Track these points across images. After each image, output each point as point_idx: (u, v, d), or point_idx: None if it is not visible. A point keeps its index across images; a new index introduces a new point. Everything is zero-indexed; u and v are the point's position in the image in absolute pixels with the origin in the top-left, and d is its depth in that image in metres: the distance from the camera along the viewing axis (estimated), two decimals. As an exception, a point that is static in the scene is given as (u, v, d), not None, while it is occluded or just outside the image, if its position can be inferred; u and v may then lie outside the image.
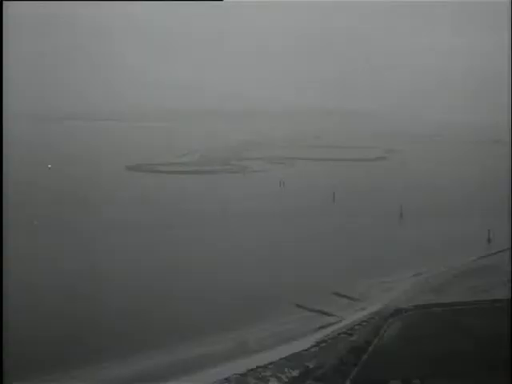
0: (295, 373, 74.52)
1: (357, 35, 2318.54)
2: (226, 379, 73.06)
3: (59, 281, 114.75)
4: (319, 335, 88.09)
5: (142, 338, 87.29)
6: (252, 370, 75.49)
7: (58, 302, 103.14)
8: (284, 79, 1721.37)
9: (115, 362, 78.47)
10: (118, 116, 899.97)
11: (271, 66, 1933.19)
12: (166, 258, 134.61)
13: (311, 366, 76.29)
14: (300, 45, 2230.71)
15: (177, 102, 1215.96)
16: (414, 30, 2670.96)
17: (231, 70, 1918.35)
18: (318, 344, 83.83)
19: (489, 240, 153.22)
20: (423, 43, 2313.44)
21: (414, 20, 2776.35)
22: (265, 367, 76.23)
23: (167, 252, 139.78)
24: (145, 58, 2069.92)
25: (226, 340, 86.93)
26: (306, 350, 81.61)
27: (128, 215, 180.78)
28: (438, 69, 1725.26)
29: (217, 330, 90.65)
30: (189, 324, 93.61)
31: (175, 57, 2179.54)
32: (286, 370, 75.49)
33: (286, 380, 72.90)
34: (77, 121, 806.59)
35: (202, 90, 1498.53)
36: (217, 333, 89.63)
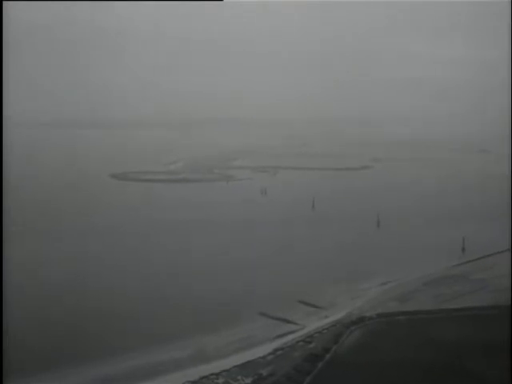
0: (248, 380, 74.48)
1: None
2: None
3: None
4: (278, 343, 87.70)
5: (98, 345, 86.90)
6: (205, 377, 75.21)
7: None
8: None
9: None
10: (105, 123, 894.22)
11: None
12: (138, 264, 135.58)
13: (265, 373, 76.01)
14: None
15: (161, 109, 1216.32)
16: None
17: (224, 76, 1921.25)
18: (274, 352, 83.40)
19: (463, 249, 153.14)
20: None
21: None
22: (218, 374, 76.00)
23: (140, 259, 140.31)
24: (139, 63, 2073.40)
25: (185, 347, 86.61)
26: (262, 358, 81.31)
27: (109, 222, 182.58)
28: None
29: (177, 337, 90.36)
30: (150, 330, 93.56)
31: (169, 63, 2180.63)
32: (239, 377, 75.26)
33: (238, 387, 72.55)
34: (62, 128, 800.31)
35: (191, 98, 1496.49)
36: (177, 340, 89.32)
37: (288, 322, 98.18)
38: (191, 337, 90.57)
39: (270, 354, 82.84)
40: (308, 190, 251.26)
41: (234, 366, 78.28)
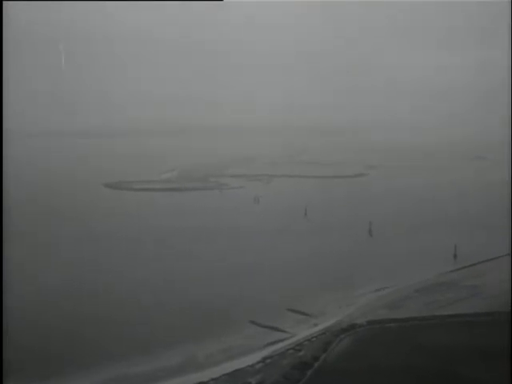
0: (236, 388, 74.02)
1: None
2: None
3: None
4: (267, 351, 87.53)
5: (83, 353, 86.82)
6: (194, 386, 74.91)
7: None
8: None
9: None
10: (98, 132, 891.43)
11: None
12: (131, 270, 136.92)
13: (253, 381, 75.85)
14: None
15: (158, 116, 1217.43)
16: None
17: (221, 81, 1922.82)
18: (263, 360, 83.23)
19: (455, 256, 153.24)
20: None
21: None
22: (206, 383, 75.62)
23: (133, 266, 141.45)
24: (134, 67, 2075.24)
25: (174, 355, 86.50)
26: (251, 366, 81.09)
27: (105, 229, 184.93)
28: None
29: (167, 346, 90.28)
30: (140, 338, 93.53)
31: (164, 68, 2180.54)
32: (227, 385, 74.99)
33: (226, 396, 72.33)
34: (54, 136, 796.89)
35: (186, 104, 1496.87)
36: (166, 347, 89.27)
37: (278, 330, 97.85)
38: (180, 345, 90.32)
39: (259, 362, 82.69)
40: (301, 197, 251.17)
41: (223, 375, 78.04)
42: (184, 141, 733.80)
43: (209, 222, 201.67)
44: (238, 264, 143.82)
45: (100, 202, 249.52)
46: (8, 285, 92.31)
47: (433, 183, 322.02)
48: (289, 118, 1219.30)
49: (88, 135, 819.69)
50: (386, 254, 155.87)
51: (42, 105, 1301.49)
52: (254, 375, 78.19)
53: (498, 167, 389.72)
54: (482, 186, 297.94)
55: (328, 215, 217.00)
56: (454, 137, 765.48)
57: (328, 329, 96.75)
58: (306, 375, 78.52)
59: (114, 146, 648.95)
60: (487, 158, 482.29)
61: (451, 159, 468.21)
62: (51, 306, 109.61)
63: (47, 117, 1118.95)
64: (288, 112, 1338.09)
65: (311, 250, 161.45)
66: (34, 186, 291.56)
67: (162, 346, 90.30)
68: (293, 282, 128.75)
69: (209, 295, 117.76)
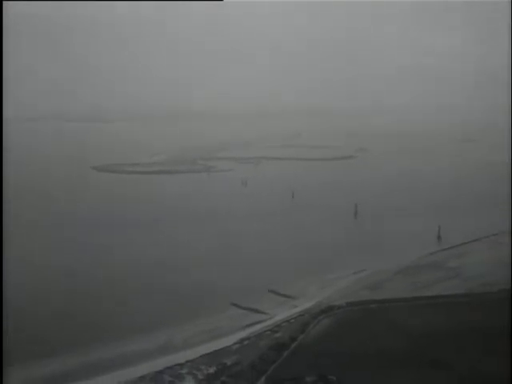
0: (211, 370, 75.01)
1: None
2: (141, 377, 73.01)
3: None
4: (245, 333, 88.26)
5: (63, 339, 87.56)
6: (169, 367, 75.64)
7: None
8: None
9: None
10: (89, 116, 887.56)
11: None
12: (113, 255, 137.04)
13: (229, 363, 76.55)
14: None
15: (151, 103, 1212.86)
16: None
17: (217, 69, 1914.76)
18: (240, 341, 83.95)
19: (439, 237, 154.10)
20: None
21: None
22: (183, 365, 76.41)
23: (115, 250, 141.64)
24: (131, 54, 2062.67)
25: (155, 338, 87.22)
26: (228, 347, 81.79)
27: (92, 212, 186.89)
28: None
29: (148, 329, 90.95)
30: (124, 321, 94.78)
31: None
32: (203, 367, 75.73)
33: (202, 377, 73.08)
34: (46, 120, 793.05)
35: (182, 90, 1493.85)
36: (148, 330, 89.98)
37: (258, 312, 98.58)
38: (161, 328, 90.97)
39: (235, 343, 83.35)
40: (289, 180, 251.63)
41: (200, 356, 78.73)
42: (178, 125, 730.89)
43: (195, 204, 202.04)
44: (221, 247, 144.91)
45: (87, 186, 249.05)
46: (6, 266, 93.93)
47: (424, 166, 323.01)
48: (285, 102, 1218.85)
49: (79, 120, 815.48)
50: (370, 236, 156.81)
51: (38, 92, 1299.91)
52: (230, 356, 78.92)
53: (486, 150, 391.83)
54: (474, 169, 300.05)
55: (315, 198, 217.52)
56: (447, 122, 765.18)
57: (307, 310, 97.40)
58: (283, 356, 79.18)
59: (98, 130, 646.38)
60: (476, 140, 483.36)
61: (441, 143, 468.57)
62: (48, 286, 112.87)
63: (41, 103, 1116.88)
64: (284, 97, 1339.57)
65: (296, 232, 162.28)
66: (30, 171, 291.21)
67: (142, 329, 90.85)
68: (275, 265, 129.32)
69: (191, 278, 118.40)
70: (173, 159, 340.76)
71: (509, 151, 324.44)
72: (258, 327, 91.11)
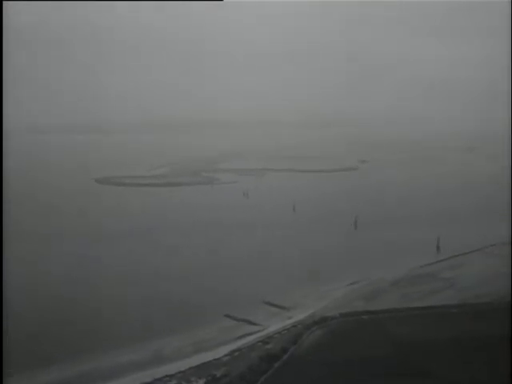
0: (201, 381, 75.22)
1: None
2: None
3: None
4: (236, 344, 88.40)
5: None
6: (159, 379, 75.95)
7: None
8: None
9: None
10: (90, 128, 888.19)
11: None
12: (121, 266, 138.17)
13: (218, 374, 76.64)
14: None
15: (152, 113, 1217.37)
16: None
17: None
18: (231, 353, 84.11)
19: (438, 248, 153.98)
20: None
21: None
22: (172, 376, 76.67)
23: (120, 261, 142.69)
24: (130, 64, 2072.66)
25: (146, 349, 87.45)
26: (218, 359, 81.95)
27: (95, 225, 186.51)
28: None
29: (141, 339, 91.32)
30: (117, 332, 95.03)
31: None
32: (192, 378, 75.95)
33: (191, 389, 73.29)
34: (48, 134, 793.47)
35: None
36: (139, 341, 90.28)
37: (251, 323, 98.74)
38: (154, 339, 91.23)
39: (226, 355, 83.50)
40: (291, 192, 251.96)
41: (190, 368, 78.91)
42: (177, 136, 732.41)
43: (197, 216, 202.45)
44: (220, 258, 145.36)
45: (92, 197, 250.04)
46: (6, 275, 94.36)
47: (425, 176, 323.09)
48: (284, 112, 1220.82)
49: (80, 131, 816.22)
50: (369, 247, 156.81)
51: (39, 102, 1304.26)
52: (219, 368, 79.05)
53: (488, 160, 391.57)
54: (477, 178, 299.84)
55: (316, 209, 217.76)
56: (448, 129, 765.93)
57: (301, 322, 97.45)
58: (273, 367, 79.15)
59: (107, 142, 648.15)
60: (478, 150, 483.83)
61: (443, 151, 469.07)
62: (49, 296, 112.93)
63: (42, 114, 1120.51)
64: (283, 106, 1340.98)
65: (295, 244, 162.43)
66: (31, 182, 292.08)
67: (135, 339, 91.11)
68: (272, 276, 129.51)
69: (188, 289, 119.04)
70: (176, 171, 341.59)
71: (509, 160, 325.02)
72: (249, 339, 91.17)
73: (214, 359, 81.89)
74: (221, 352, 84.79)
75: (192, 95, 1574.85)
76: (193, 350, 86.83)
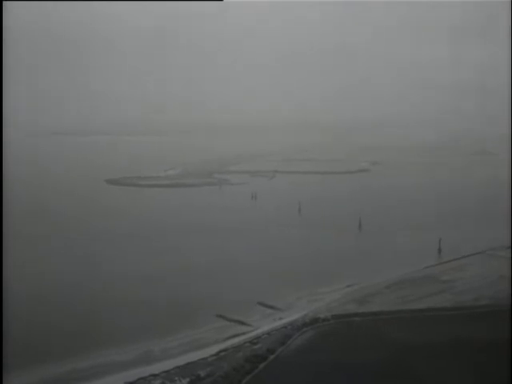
0: (185, 381, 75.55)
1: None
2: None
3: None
4: (225, 345, 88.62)
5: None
6: (143, 378, 76.46)
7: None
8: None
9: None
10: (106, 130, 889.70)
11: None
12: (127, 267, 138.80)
13: (203, 374, 76.96)
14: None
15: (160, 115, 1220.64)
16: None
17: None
18: (217, 353, 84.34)
19: (439, 250, 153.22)
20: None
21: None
22: (156, 376, 77.10)
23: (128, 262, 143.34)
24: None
25: (132, 349, 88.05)
26: (204, 359, 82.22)
27: (104, 226, 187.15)
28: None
29: (131, 339, 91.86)
30: (110, 332, 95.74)
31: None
32: (176, 378, 76.33)
33: (174, 388, 73.73)
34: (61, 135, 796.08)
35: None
36: (128, 342, 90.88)
37: (242, 323, 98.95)
38: (142, 339, 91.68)
39: (212, 355, 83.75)
40: (298, 194, 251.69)
41: (175, 367, 79.31)
42: (186, 139, 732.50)
43: (201, 218, 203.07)
44: (219, 260, 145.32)
45: (101, 199, 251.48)
46: (8, 282, 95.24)
47: (429, 179, 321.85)
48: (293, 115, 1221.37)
49: (90, 134, 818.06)
50: (372, 249, 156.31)
51: (45, 104, 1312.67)
52: (205, 368, 79.33)
53: (495, 163, 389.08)
54: (480, 182, 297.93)
55: (322, 211, 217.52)
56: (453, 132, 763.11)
57: (291, 323, 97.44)
58: (258, 368, 79.36)
59: (112, 143, 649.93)
60: (484, 154, 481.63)
61: (448, 155, 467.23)
62: (50, 302, 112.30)
63: (48, 116, 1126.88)
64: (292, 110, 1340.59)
65: (296, 245, 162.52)
66: (36, 185, 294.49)
67: (125, 339, 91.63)
68: (271, 278, 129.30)
69: (189, 290, 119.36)
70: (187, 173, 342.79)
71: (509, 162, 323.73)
72: (238, 339, 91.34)
73: (200, 359, 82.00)
74: (208, 352, 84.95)
75: (207, 98, 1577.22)
76: (179, 351, 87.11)
